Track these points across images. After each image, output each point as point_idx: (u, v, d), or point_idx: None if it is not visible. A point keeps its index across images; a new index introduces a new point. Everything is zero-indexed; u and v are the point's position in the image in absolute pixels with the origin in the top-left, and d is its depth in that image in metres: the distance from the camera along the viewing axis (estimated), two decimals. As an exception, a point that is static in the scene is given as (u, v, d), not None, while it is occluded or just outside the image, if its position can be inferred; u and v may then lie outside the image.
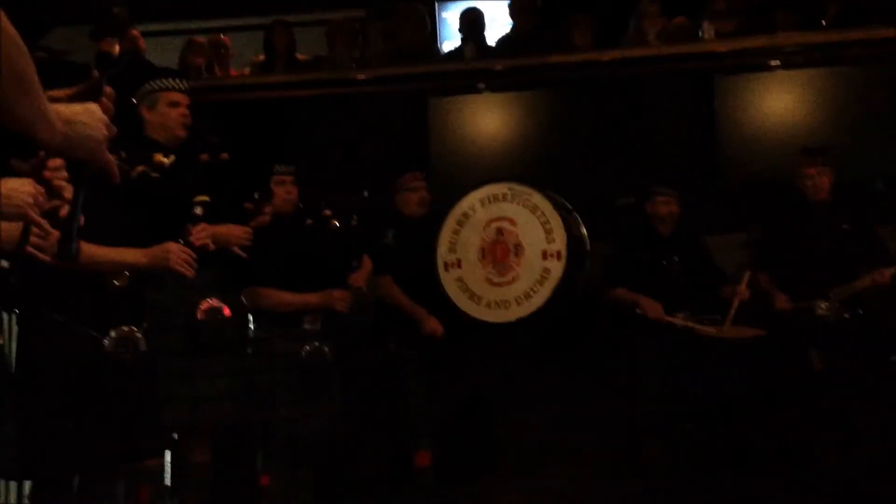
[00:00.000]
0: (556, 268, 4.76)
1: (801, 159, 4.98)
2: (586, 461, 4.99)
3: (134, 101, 3.86)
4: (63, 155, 1.46)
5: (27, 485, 3.56)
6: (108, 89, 1.66)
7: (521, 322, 4.78)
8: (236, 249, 3.93)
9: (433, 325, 4.80)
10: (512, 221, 4.88)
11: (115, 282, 3.46)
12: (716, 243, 5.17)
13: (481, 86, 5.99)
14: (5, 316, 3.06)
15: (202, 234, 3.70)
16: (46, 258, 2.59)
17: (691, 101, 5.76)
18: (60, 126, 1.40)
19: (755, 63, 5.70)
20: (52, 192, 2.42)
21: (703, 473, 4.72)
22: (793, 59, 5.65)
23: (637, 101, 5.77)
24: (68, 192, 2.52)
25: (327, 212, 4.54)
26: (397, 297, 4.86)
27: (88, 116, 1.50)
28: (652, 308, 4.78)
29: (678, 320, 4.77)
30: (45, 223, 2.37)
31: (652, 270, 4.90)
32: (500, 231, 4.89)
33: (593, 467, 4.97)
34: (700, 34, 5.98)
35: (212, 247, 3.68)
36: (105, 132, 1.52)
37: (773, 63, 5.69)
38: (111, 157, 1.57)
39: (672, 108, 5.72)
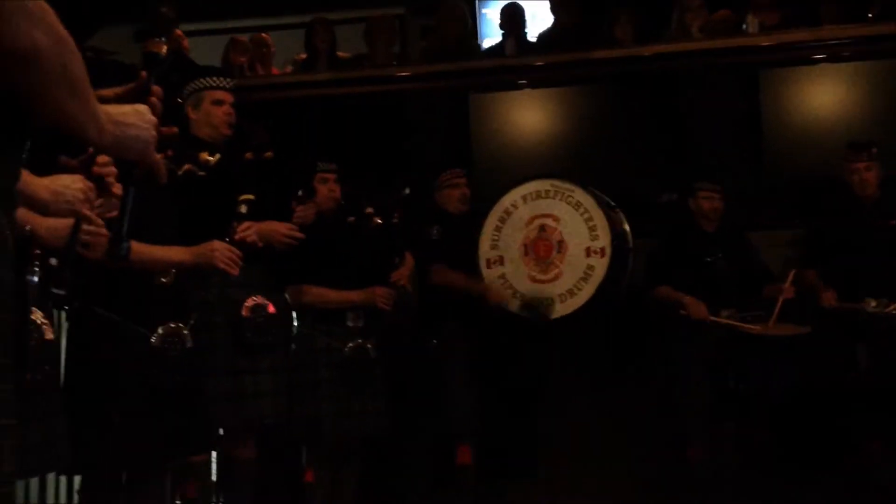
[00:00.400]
0: (600, 265, 4.73)
1: (848, 154, 4.90)
2: (629, 461, 4.96)
3: (179, 100, 3.89)
4: (112, 155, 1.47)
5: (77, 479, 3.61)
6: (156, 89, 1.67)
7: (564, 319, 4.76)
8: (280, 245, 3.95)
9: (497, 295, 4.78)
10: (555, 218, 4.85)
11: (161, 279, 3.49)
12: (761, 239, 5.11)
13: (522, 82, 5.98)
14: (55, 312, 3.10)
15: (247, 231, 3.72)
16: (96, 256, 2.63)
17: (735, 95, 5.70)
18: (110, 127, 1.41)
19: (800, 56, 5.63)
20: (101, 187, 2.46)
21: (747, 473, 4.68)
22: (838, 53, 5.57)
23: (680, 96, 5.72)
24: (117, 187, 2.55)
25: (370, 209, 4.55)
26: (455, 280, 4.84)
27: (138, 117, 1.51)
28: (696, 309, 4.73)
29: (722, 319, 4.73)
30: (96, 219, 2.41)
31: (696, 267, 4.85)
32: (542, 228, 4.87)
33: (636, 467, 4.95)
34: (744, 27, 5.91)
35: (259, 244, 3.71)
36: (154, 133, 1.54)
37: (819, 56, 5.62)
38: (158, 158, 1.58)
39: (716, 103, 5.66)
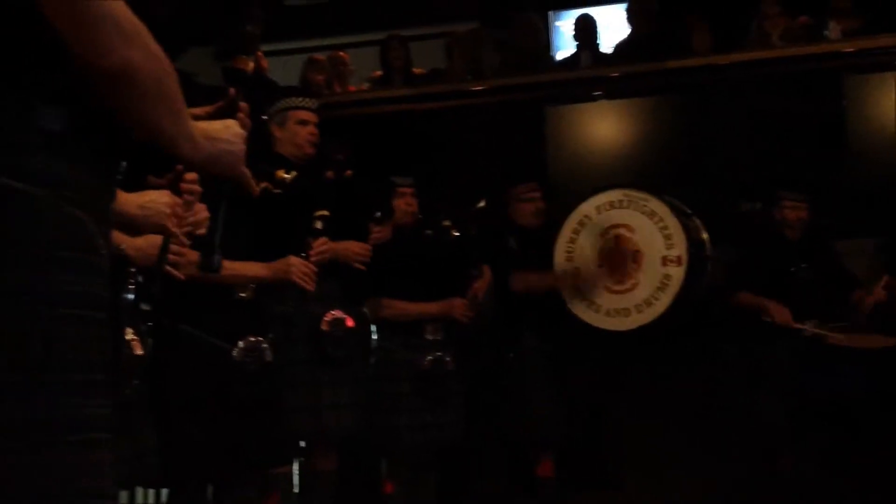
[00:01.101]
0: (677, 273, 4.67)
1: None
2: (714, 471, 4.88)
3: (264, 117, 3.96)
4: (204, 171, 1.50)
5: (164, 492, 3.68)
6: (243, 105, 1.70)
7: (641, 329, 4.71)
8: (356, 265, 4.00)
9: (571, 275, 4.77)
10: (629, 228, 4.80)
11: (240, 294, 3.55)
12: (846, 248, 5.00)
13: (598, 93, 5.94)
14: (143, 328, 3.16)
15: (322, 247, 3.77)
16: (184, 272, 2.69)
17: (818, 102, 5.59)
18: (202, 143, 1.43)
19: (884, 62, 5.50)
20: (188, 204, 2.52)
21: (833, 482, 4.57)
22: (924, 57, 5.44)
23: (760, 105, 5.62)
24: (203, 205, 2.61)
25: (447, 222, 4.57)
26: (535, 281, 4.84)
27: (228, 132, 1.53)
28: (780, 313, 4.64)
29: (807, 327, 4.62)
30: (181, 236, 2.47)
31: (779, 276, 4.76)
32: (617, 238, 4.83)
33: (721, 478, 4.86)
34: (825, 34, 5.80)
35: (326, 258, 3.75)
36: (244, 147, 1.56)
37: (903, 61, 5.48)
38: (248, 171, 1.61)
39: (797, 110, 5.55)
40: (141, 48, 1.26)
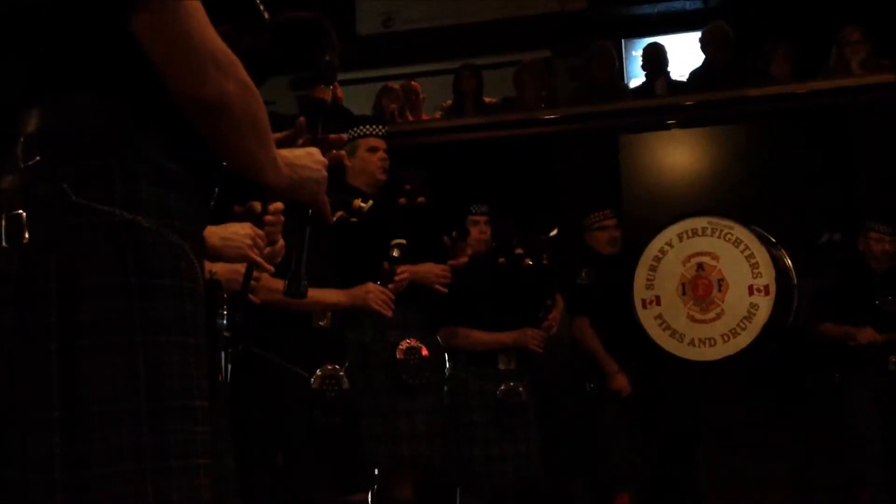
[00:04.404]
0: (765, 303, 4.58)
1: None
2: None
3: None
4: (287, 197, 1.53)
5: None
6: (334, 138, 1.72)
7: (728, 360, 4.61)
8: (437, 286, 3.98)
9: (621, 383, 4.70)
10: (713, 256, 4.74)
11: (319, 322, 3.57)
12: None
13: (671, 122, 5.89)
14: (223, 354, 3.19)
15: (400, 275, 3.78)
16: (257, 300, 2.72)
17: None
18: (286, 170, 1.46)
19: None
20: (270, 235, 2.55)
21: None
22: None
23: (842, 133, 5.51)
24: (280, 234, 2.64)
25: (520, 250, 4.55)
26: (590, 342, 4.80)
27: (310, 159, 1.56)
28: (864, 333, 4.53)
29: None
30: (265, 264, 2.49)
31: (864, 309, 4.65)
32: (700, 266, 4.76)
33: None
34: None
35: (404, 284, 3.76)
36: (324, 174, 1.58)
37: None
38: (326, 199, 1.63)
39: (879, 139, 5.43)
40: (235, 79, 1.29)
